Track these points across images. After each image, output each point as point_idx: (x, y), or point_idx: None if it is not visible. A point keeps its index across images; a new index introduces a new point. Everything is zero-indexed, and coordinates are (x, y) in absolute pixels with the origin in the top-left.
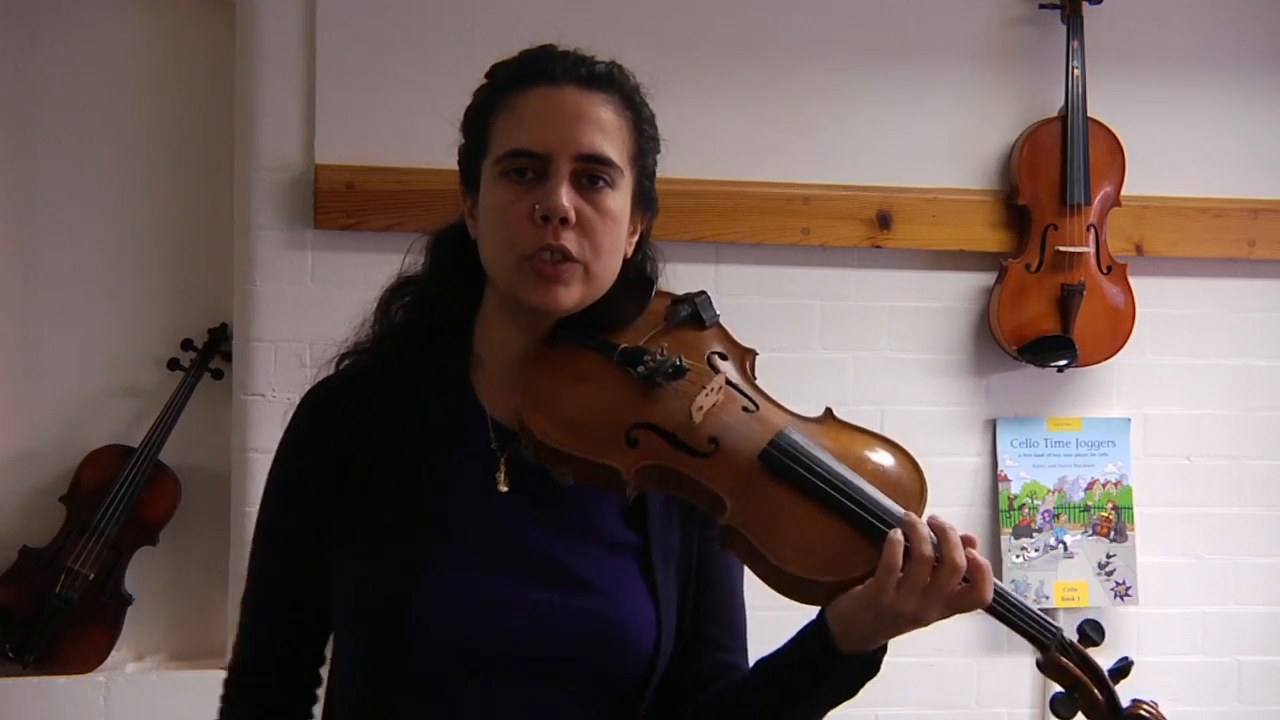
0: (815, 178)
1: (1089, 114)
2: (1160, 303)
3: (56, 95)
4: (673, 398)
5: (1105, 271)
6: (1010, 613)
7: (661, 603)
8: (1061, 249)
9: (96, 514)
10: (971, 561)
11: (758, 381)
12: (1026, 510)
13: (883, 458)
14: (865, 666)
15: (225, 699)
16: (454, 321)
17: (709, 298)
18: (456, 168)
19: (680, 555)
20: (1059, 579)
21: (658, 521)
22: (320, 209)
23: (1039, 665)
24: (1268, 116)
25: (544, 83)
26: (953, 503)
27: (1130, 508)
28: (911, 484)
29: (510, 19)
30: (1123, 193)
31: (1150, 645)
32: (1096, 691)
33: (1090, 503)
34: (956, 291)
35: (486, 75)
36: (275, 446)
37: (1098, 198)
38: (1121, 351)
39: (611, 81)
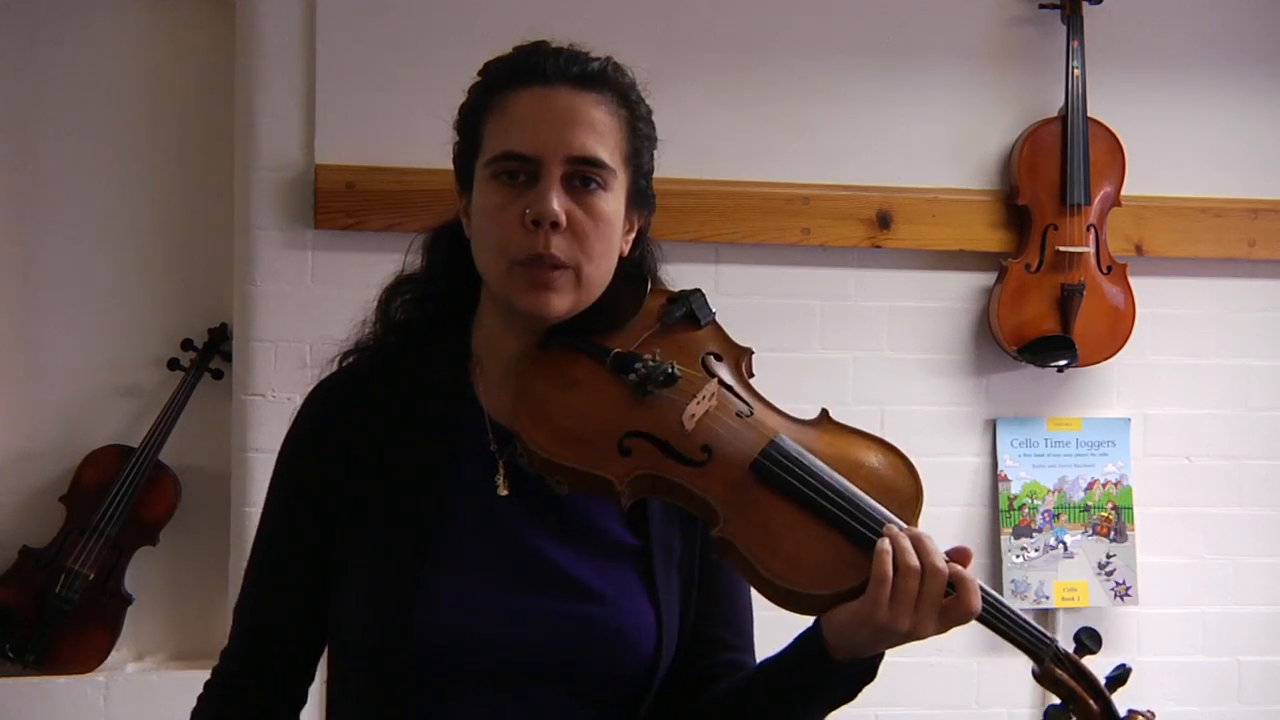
0: (815, 178)
1: (1089, 114)
2: (1160, 303)
3: (56, 95)
4: (666, 405)
5: (1105, 271)
6: (1003, 623)
7: (662, 606)
8: (1061, 249)
9: (96, 514)
10: (953, 573)
11: (754, 380)
12: (1026, 510)
13: (877, 462)
14: (862, 673)
15: (209, 693)
16: (453, 320)
17: (704, 296)
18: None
19: (682, 557)
20: (1059, 579)
21: (658, 524)
22: (320, 209)
23: (1034, 676)
24: (1268, 116)
25: (536, 82)
26: (953, 503)
27: (1130, 508)
28: (907, 489)
29: (510, 18)
30: (1123, 193)
31: (1150, 645)
32: (1092, 702)
33: (1090, 503)
34: (956, 291)
35: (480, 72)
36: (275, 446)
37: (1098, 198)
38: (1121, 351)
39: (605, 80)
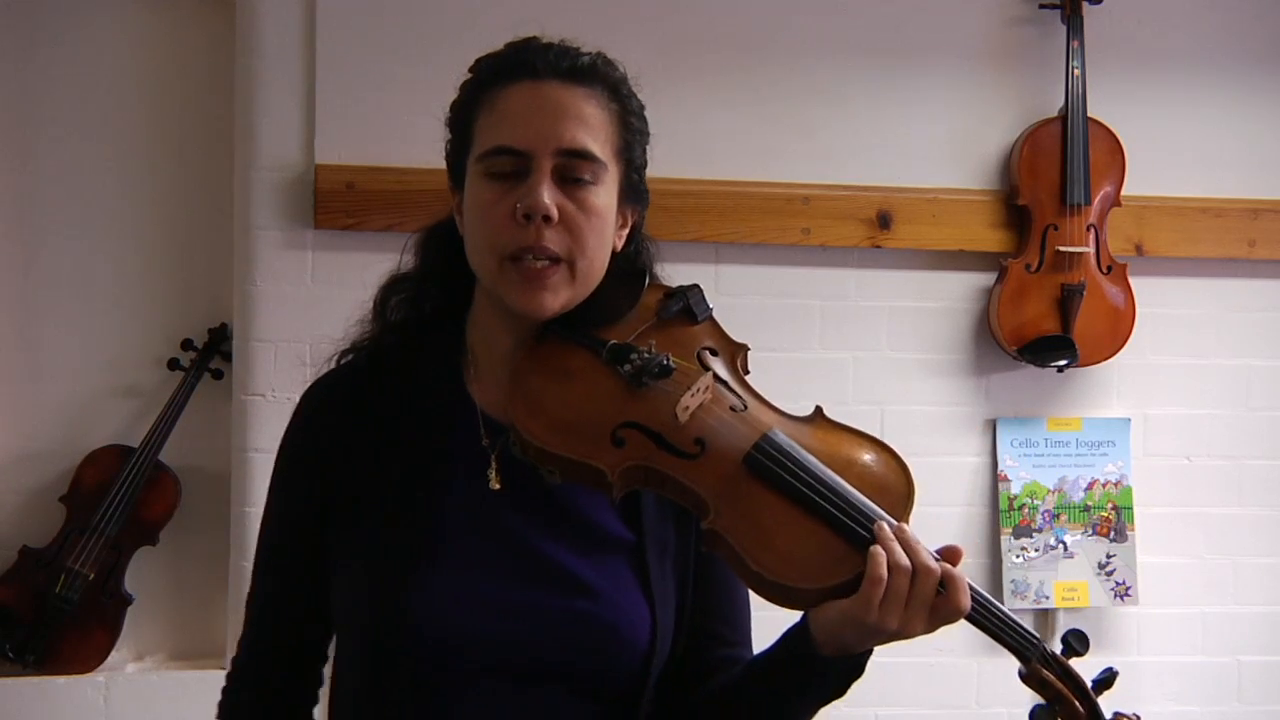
0: (815, 178)
1: (1089, 114)
2: (1160, 303)
3: (56, 95)
4: (660, 397)
5: (1105, 271)
6: (991, 622)
7: (656, 599)
8: (1061, 249)
9: (96, 514)
10: (944, 572)
11: (749, 377)
12: (1026, 510)
13: (870, 459)
14: (850, 669)
15: (225, 697)
16: (447, 317)
17: (701, 292)
18: None
19: (677, 551)
20: (1059, 579)
21: (652, 518)
22: (320, 209)
23: (1021, 677)
24: (1268, 116)
25: (526, 77)
26: (953, 503)
27: (1130, 508)
28: (898, 486)
29: (510, 19)
30: (1123, 193)
31: (1150, 645)
32: (1078, 704)
33: (1090, 503)
34: (956, 291)
35: (471, 69)
36: (275, 446)
37: (1098, 198)
38: (1121, 351)
39: (595, 74)
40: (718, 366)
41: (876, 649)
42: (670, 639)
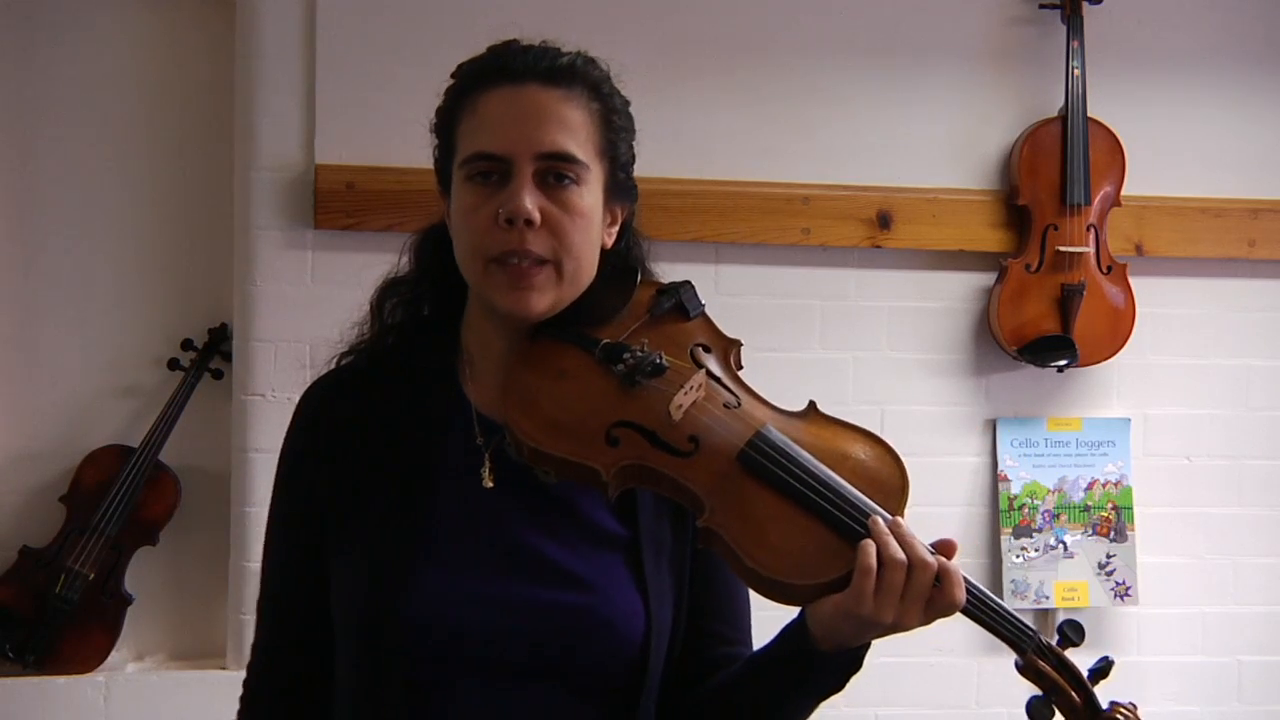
0: (815, 178)
1: (1089, 114)
2: (1160, 303)
3: (56, 95)
4: (653, 395)
5: (1105, 271)
6: (986, 615)
7: (651, 596)
8: (1061, 249)
9: (96, 514)
10: (940, 565)
11: (742, 372)
12: (1026, 510)
13: (864, 454)
14: (848, 664)
15: (243, 704)
16: (443, 319)
17: (694, 288)
18: None
19: (674, 549)
20: (1059, 579)
21: (647, 515)
22: (320, 209)
23: (1017, 668)
24: (1268, 116)
25: (506, 82)
26: (953, 503)
27: (1130, 508)
28: (892, 480)
29: (509, 19)
30: (1123, 193)
31: (1150, 645)
32: (1074, 694)
33: (1090, 503)
34: (956, 291)
35: (453, 74)
36: (275, 446)
37: (1098, 198)
38: (1121, 351)
39: (575, 74)
40: (711, 363)
41: (876, 650)
42: (667, 636)
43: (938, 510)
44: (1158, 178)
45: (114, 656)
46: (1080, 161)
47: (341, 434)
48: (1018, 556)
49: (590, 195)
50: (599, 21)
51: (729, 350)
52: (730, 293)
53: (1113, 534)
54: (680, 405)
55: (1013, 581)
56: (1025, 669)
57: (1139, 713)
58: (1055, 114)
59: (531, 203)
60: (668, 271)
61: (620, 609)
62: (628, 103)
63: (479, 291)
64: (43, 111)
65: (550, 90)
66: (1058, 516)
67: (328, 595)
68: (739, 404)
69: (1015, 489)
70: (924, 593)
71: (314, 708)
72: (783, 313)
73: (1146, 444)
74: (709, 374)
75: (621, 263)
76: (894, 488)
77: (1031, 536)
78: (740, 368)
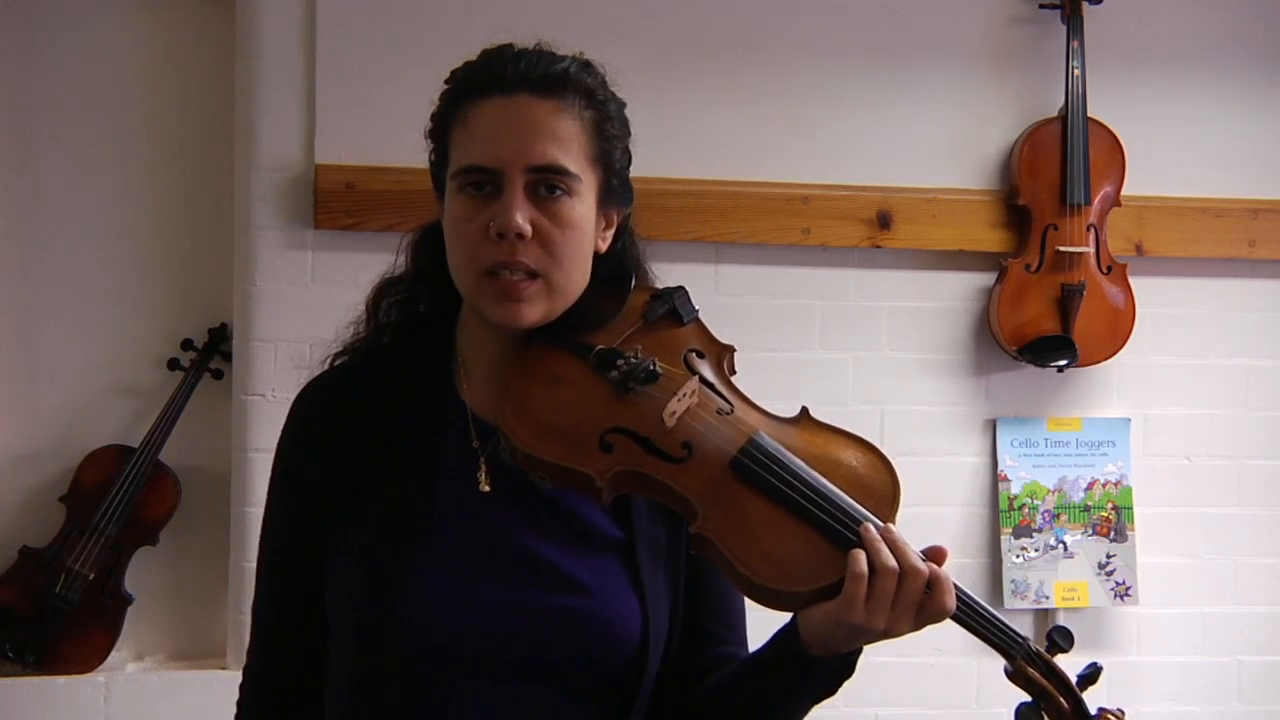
0: (815, 178)
1: (1089, 114)
2: (1160, 303)
3: (56, 95)
4: (647, 402)
5: (1105, 271)
6: (976, 621)
7: (648, 598)
8: (1061, 249)
9: (96, 514)
10: (931, 572)
11: (735, 378)
12: (1026, 510)
13: (856, 460)
14: (840, 669)
15: (240, 708)
16: (439, 318)
17: (687, 293)
18: None
19: (669, 551)
20: (1059, 579)
21: (642, 517)
22: (320, 209)
23: (1007, 674)
24: (1268, 116)
25: (498, 92)
26: (953, 503)
27: (1130, 508)
28: (884, 487)
29: (509, 19)
30: (1123, 193)
31: (1150, 645)
32: (1063, 700)
33: (1090, 503)
34: (956, 291)
35: (446, 80)
36: (275, 446)
37: (1098, 198)
38: (1121, 351)
39: (568, 82)
40: (704, 369)
41: (877, 650)
42: (664, 638)
43: (938, 510)
44: (1158, 178)
45: (114, 656)
46: (1080, 161)
47: (336, 434)
48: (1018, 556)
49: (582, 205)
50: (599, 21)
51: (722, 356)
52: (730, 293)
53: (1113, 534)
54: (673, 412)
55: (1013, 581)
56: (1015, 675)
57: (1127, 718)
58: (1055, 114)
59: (522, 216)
60: (667, 271)
61: (617, 611)
62: (623, 106)
63: (471, 302)
64: (43, 111)
65: (542, 101)
66: (1058, 516)
67: (323, 595)
68: (732, 410)
69: (1015, 489)
70: (915, 600)
71: (311, 707)
72: (782, 313)
73: (1146, 444)
74: (702, 380)
75: (617, 266)
76: (886, 495)
77: (1031, 536)
78: (734, 373)
